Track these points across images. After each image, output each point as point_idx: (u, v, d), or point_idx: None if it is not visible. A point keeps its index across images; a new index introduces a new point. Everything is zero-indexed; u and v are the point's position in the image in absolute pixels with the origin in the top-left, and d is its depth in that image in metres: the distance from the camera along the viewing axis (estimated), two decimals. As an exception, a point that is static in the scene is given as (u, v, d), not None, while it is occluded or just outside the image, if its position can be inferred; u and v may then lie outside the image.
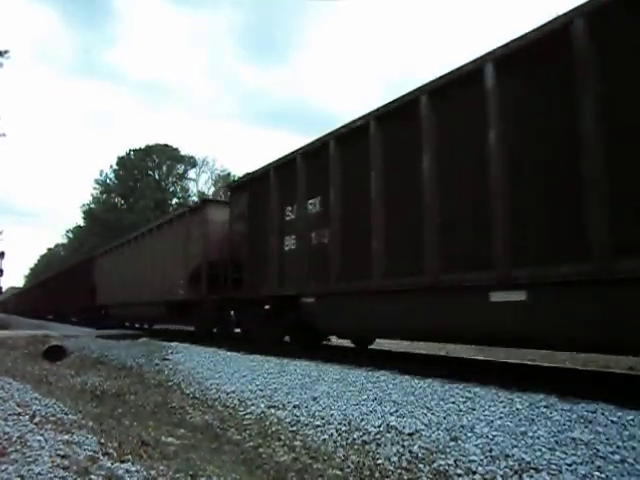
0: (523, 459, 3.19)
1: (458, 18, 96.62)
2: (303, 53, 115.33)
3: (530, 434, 3.48)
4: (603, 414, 3.58)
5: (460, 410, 4.12)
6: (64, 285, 28.42)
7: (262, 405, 5.37)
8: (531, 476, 3.02)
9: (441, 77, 5.60)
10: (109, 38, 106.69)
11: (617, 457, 3.02)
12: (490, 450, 3.39)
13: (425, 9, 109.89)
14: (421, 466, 3.45)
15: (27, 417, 4.37)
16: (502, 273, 4.74)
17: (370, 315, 6.51)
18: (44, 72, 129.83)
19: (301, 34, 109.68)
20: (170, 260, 13.01)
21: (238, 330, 10.66)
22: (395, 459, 3.62)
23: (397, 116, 6.20)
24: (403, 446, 3.76)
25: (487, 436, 3.57)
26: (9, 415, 4.35)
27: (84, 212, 51.56)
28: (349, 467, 3.67)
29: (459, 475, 3.24)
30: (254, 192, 9.31)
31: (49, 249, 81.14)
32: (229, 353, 8.45)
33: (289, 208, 8.19)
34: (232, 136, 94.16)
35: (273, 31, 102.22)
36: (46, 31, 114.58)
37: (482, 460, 3.31)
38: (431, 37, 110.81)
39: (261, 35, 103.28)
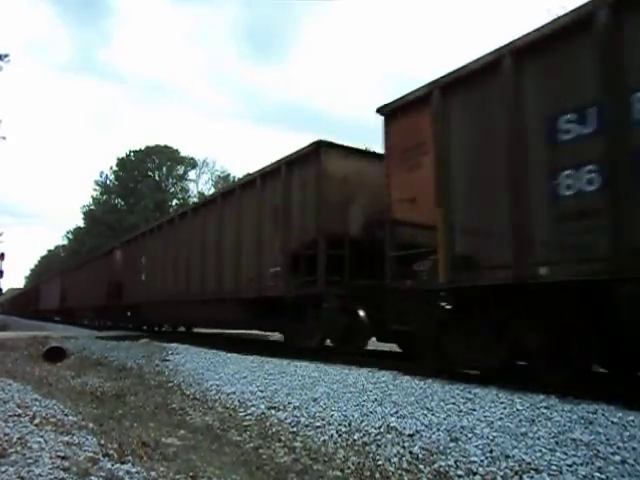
0: (523, 460, 3.19)
1: (456, 14, 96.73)
2: (303, 52, 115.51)
3: (530, 435, 3.48)
4: (603, 415, 3.58)
5: (460, 411, 4.12)
6: (79, 282, 24.38)
7: (262, 406, 5.36)
8: (531, 477, 3.02)
9: None
10: (107, 36, 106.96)
11: (617, 458, 3.02)
12: (491, 451, 3.39)
13: (422, 7, 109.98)
14: (421, 467, 3.44)
15: (27, 418, 4.37)
16: None
17: None
18: (42, 71, 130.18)
19: (301, 33, 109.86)
20: (252, 237, 9.20)
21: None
22: (395, 460, 3.61)
23: None
24: (403, 447, 3.75)
25: (487, 437, 3.57)
26: (9, 416, 4.35)
27: (84, 213, 51.63)
28: (349, 468, 3.66)
29: (460, 476, 3.24)
30: (449, 107, 5.61)
31: (49, 250, 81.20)
32: (229, 354, 8.44)
33: (567, 117, 4.46)
34: (232, 136, 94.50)
35: (273, 30, 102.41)
36: (43, 29, 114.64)
37: (482, 461, 3.30)
38: (429, 34, 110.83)
39: (261, 34, 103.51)
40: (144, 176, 47.13)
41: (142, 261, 15.67)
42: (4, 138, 19.07)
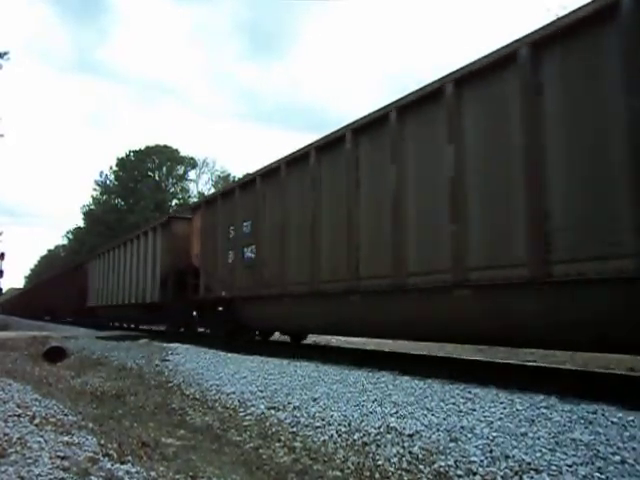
0: (523, 460, 3.19)
1: (457, 13, 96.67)
2: (304, 52, 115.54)
3: (530, 435, 3.48)
4: (603, 415, 3.58)
5: (460, 411, 4.12)
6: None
7: (262, 406, 5.36)
8: (531, 477, 3.01)
9: None
10: (107, 36, 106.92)
11: (617, 458, 3.02)
12: (490, 451, 3.39)
13: (423, 5, 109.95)
14: (421, 467, 3.44)
15: (27, 418, 4.37)
16: None
17: None
18: (42, 71, 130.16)
19: (301, 33, 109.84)
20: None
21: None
22: (395, 460, 3.61)
23: None
24: (403, 447, 3.75)
25: (487, 437, 3.57)
26: (9, 416, 4.35)
27: (84, 213, 51.69)
28: (349, 468, 3.66)
29: (459, 476, 3.23)
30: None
31: (49, 250, 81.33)
32: (229, 354, 8.45)
33: None
34: (232, 136, 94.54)
35: (273, 30, 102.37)
36: (43, 29, 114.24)
37: (482, 461, 3.30)
38: (429, 32, 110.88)
39: (261, 34, 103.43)
40: (144, 176, 47.14)
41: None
42: (2, 135, 19.11)
